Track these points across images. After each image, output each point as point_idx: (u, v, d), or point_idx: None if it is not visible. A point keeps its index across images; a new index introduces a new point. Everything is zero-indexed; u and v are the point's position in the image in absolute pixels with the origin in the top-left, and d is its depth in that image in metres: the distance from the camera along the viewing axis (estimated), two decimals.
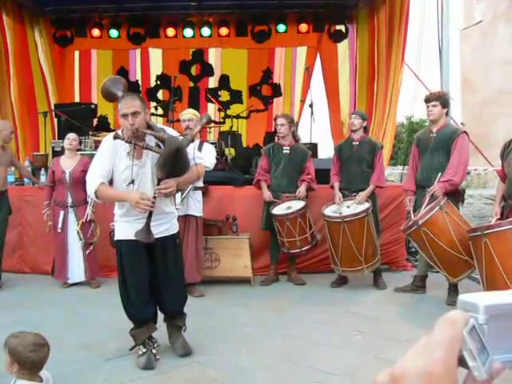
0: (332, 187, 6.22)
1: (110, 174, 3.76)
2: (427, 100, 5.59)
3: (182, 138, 3.79)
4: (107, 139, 3.87)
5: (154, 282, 3.99)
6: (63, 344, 4.30)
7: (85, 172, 6.05)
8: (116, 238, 3.99)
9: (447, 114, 5.66)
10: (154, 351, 3.97)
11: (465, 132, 5.48)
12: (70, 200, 6.15)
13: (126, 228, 3.86)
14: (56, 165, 6.26)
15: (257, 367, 3.91)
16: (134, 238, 3.73)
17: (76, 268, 6.19)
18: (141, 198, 3.52)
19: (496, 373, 0.58)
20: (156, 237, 3.80)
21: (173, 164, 3.63)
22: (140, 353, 3.95)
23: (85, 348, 4.28)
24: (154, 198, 3.61)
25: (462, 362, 0.57)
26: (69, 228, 6.15)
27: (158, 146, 3.72)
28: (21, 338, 2.49)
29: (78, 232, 6.07)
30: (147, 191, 3.69)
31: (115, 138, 3.68)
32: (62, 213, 6.13)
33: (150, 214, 3.63)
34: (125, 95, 3.85)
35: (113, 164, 3.76)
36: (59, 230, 6.12)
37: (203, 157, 4.62)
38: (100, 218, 6.22)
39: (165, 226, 3.93)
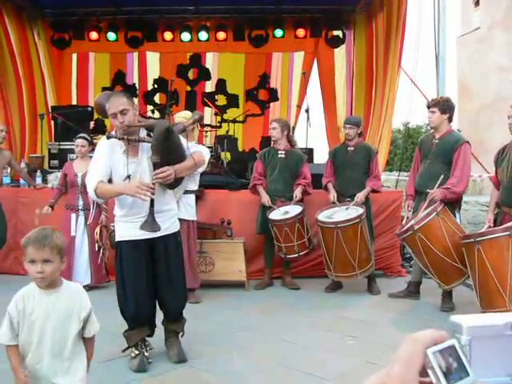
0: (325, 188, 6.23)
1: (108, 174, 3.76)
2: (427, 106, 5.55)
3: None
4: (102, 141, 3.91)
5: (155, 282, 3.96)
6: None
7: None
8: (117, 239, 3.94)
9: (450, 120, 5.52)
10: (146, 354, 3.97)
11: (467, 142, 5.40)
12: (80, 203, 6.12)
13: (126, 228, 3.84)
14: (69, 168, 6.25)
15: (249, 371, 3.91)
16: (134, 238, 3.76)
17: (83, 272, 6.08)
18: (139, 186, 3.44)
19: None
20: (157, 236, 3.80)
21: (165, 145, 3.61)
22: (132, 355, 3.94)
23: None
24: (153, 184, 3.55)
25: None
26: (77, 231, 6.10)
27: (149, 135, 3.71)
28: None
29: (97, 240, 5.99)
30: None
31: (108, 137, 3.74)
32: (73, 216, 6.10)
33: (152, 203, 3.58)
34: (111, 95, 3.86)
35: (110, 164, 3.76)
36: (73, 234, 6.05)
37: (199, 148, 4.62)
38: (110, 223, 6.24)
39: (166, 224, 3.85)
